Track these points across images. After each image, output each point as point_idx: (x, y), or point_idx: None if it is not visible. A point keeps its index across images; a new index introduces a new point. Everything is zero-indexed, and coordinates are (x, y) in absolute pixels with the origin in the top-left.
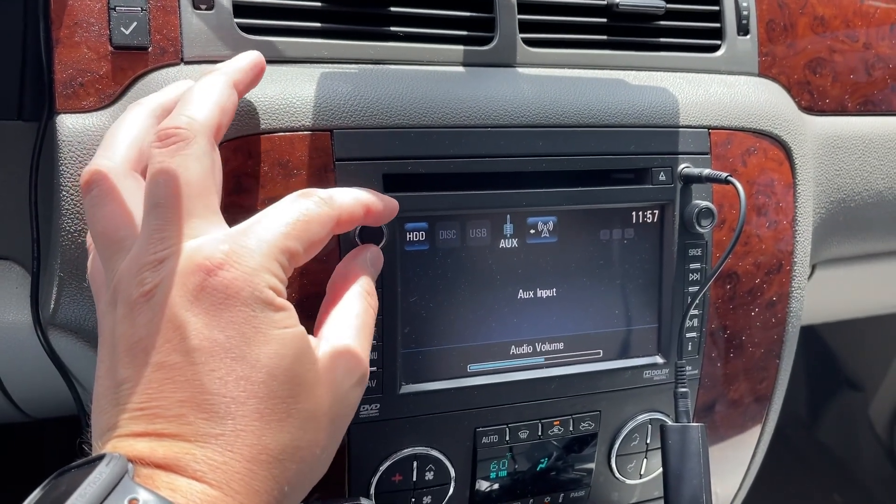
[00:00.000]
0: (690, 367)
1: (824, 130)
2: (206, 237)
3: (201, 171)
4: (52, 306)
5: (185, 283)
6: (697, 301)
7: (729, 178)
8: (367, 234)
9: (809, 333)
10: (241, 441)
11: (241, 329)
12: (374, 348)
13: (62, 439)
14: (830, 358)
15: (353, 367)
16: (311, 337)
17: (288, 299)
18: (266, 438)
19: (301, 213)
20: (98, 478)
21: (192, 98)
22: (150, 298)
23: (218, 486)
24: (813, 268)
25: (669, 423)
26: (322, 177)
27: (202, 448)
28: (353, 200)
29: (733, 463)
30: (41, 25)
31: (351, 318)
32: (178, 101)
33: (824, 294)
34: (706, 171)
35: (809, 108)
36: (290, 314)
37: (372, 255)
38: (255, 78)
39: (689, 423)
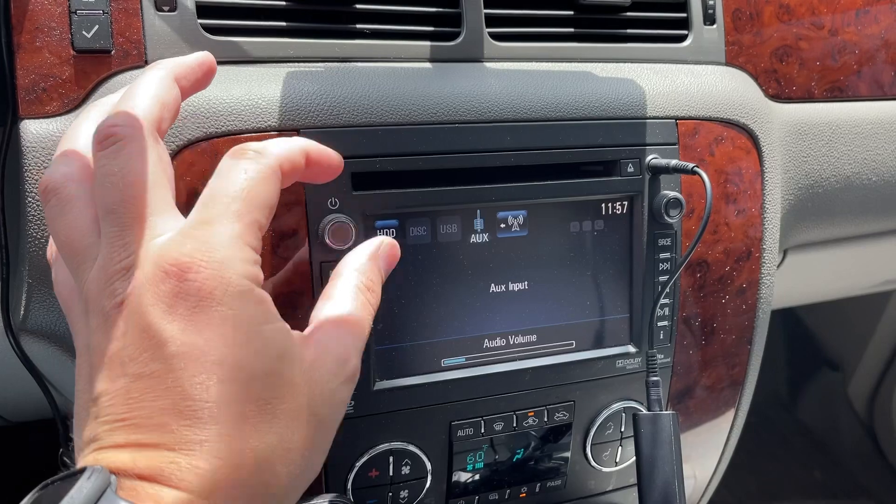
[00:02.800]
0: (662, 356)
1: (791, 117)
2: (168, 236)
3: (146, 167)
4: (22, 312)
5: (156, 291)
6: (668, 290)
7: (696, 168)
8: (337, 231)
9: (788, 315)
10: (226, 446)
11: (219, 331)
12: None
13: (44, 444)
14: (809, 339)
15: (341, 365)
16: (296, 332)
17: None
18: (253, 440)
19: (243, 178)
20: (80, 492)
21: (131, 94)
22: (124, 308)
23: (205, 495)
24: (784, 253)
25: (643, 411)
26: None
27: (187, 456)
28: (288, 146)
29: (708, 447)
30: (2, 31)
31: (343, 313)
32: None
33: (797, 278)
34: (673, 162)
35: (777, 96)
36: (269, 308)
37: (384, 247)
38: (203, 76)
39: (661, 411)
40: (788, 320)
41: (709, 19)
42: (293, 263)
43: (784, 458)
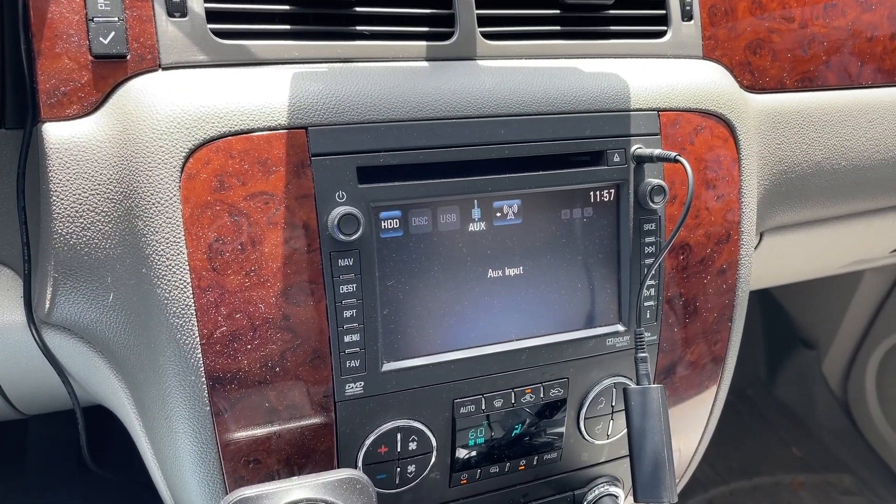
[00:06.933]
0: (649, 334)
1: (765, 107)
2: None
3: None
4: (47, 306)
5: None
6: (653, 272)
7: (678, 157)
8: (345, 222)
9: (765, 297)
10: None
11: None
12: (356, 330)
13: (45, 435)
14: (785, 320)
15: None
16: None
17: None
18: None
19: None
20: None
21: None
22: None
23: None
24: (761, 235)
25: (632, 385)
26: (299, 172)
27: None
28: None
29: (692, 420)
30: (22, 38)
31: None
32: None
33: (773, 259)
34: (657, 152)
35: (751, 87)
36: None
37: None
38: None
39: (649, 385)
40: (766, 302)
41: (686, 15)
42: (304, 254)
43: (764, 435)
